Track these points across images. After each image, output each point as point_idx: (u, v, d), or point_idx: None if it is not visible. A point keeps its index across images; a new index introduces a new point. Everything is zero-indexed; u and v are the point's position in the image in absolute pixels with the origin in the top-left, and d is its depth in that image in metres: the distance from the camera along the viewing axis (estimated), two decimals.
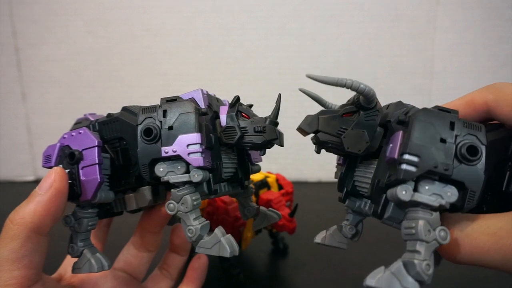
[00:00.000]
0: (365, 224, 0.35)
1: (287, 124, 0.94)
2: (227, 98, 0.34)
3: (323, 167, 1.00)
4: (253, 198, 0.49)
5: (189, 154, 0.27)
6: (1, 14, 0.94)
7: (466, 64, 0.95)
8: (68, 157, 0.30)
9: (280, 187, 0.54)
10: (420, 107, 0.25)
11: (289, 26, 0.94)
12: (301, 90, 0.30)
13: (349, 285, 0.50)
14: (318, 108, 0.32)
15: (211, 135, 0.29)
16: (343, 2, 0.92)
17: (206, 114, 0.30)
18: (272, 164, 0.95)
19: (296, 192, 0.56)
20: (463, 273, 0.52)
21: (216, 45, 0.95)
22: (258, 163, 0.38)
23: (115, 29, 0.95)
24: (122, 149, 0.31)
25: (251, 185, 0.39)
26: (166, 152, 0.28)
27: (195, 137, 0.28)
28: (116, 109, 0.33)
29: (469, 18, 0.92)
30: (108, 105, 0.98)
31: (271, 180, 0.53)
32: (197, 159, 0.27)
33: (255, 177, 0.51)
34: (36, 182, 0.98)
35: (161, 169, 0.28)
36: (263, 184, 0.51)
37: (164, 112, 0.29)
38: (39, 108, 1.00)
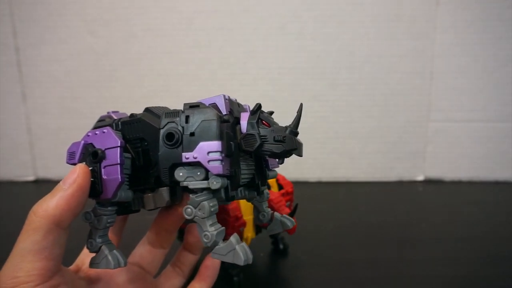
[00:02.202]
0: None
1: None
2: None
3: (323, 167, 1.00)
4: None
5: (209, 161, 0.28)
6: (1, 14, 0.94)
7: (466, 64, 0.95)
8: (91, 155, 0.31)
9: (280, 187, 0.54)
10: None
11: (289, 26, 0.94)
12: None
13: (349, 285, 0.50)
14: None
15: (231, 142, 0.29)
16: (343, 2, 0.92)
17: (227, 122, 0.30)
18: None
19: (296, 192, 0.56)
20: (461, 273, 0.53)
21: (216, 45, 0.95)
22: (275, 169, 0.38)
23: (115, 29, 0.95)
24: (143, 150, 0.31)
25: (267, 190, 0.39)
26: (187, 158, 0.28)
27: (216, 145, 0.28)
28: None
29: (469, 18, 0.92)
30: (108, 105, 0.98)
31: (271, 180, 0.53)
32: (216, 167, 0.28)
33: None
34: (36, 182, 0.98)
35: (181, 174, 0.29)
36: None
37: (187, 118, 0.29)
38: (39, 108, 1.00)
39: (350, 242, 0.62)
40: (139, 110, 0.34)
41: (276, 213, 0.40)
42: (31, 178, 1.04)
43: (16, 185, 1.00)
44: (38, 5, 0.94)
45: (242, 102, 0.35)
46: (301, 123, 0.32)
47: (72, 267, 0.36)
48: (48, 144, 1.01)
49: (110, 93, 0.98)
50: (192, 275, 0.40)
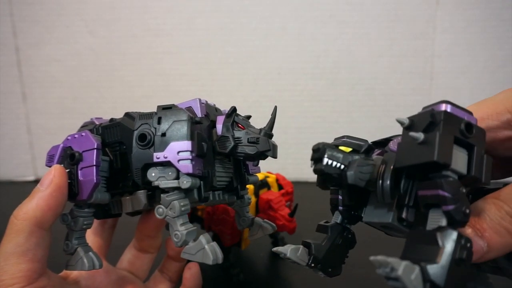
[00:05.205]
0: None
1: (287, 124, 0.95)
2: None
3: None
4: (253, 198, 0.49)
5: (179, 160, 0.28)
6: (1, 14, 0.94)
7: (465, 64, 0.95)
8: (69, 157, 0.31)
9: (280, 187, 0.54)
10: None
11: (289, 26, 0.94)
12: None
13: (349, 285, 0.50)
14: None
15: (203, 143, 0.30)
16: (343, 2, 0.92)
17: (200, 123, 0.30)
18: (272, 164, 0.95)
19: (296, 192, 0.56)
20: None
21: (216, 45, 0.95)
22: (256, 174, 0.38)
23: (115, 29, 0.95)
24: (121, 153, 0.32)
25: (248, 195, 0.39)
26: (158, 158, 0.29)
27: (186, 144, 0.28)
28: (116, 109, 0.33)
29: (469, 18, 0.92)
30: (108, 105, 0.98)
31: (271, 180, 0.53)
32: (186, 166, 0.28)
33: None
34: (37, 182, 0.97)
35: (153, 174, 0.29)
36: (263, 184, 0.51)
37: (159, 119, 0.30)
38: (39, 108, 1.00)
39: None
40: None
41: (256, 218, 0.40)
42: (31, 178, 1.04)
43: (16, 185, 1.00)
44: (38, 5, 0.94)
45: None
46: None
47: (60, 274, 0.36)
48: (48, 144, 1.00)
49: (110, 93, 0.98)
50: (181, 279, 0.40)
